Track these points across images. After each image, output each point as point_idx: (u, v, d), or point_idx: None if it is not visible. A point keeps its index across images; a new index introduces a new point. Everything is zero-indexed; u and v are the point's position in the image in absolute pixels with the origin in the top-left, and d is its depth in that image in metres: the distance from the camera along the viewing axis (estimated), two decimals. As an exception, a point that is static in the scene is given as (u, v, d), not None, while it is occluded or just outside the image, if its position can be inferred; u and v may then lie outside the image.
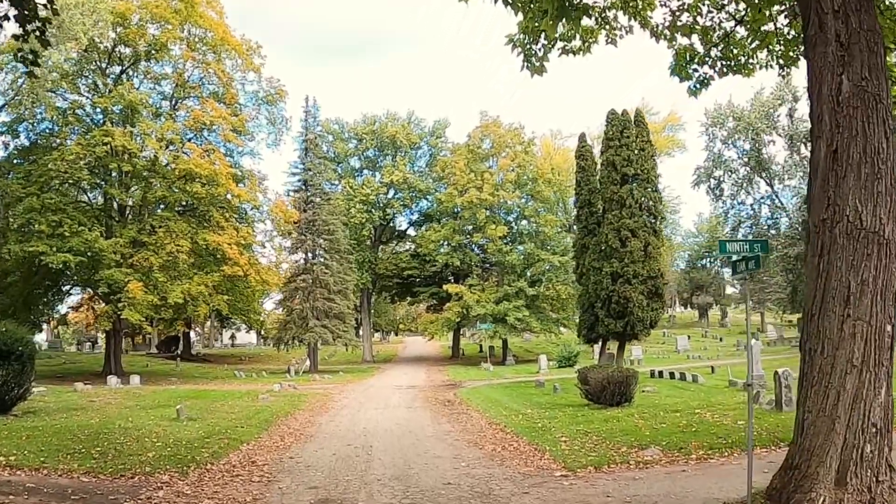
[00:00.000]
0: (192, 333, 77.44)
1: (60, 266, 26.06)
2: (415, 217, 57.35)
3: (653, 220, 22.19)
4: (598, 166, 24.34)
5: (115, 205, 30.41)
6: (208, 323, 73.31)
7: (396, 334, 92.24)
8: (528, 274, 44.67)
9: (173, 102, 32.89)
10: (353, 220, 48.13)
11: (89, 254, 27.18)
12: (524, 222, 47.25)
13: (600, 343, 23.55)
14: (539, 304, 44.88)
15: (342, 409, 17.51)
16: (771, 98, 50.88)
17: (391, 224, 57.14)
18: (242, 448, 11.05)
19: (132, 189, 29.23)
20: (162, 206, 29.76)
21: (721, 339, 55.29)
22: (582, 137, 24.91)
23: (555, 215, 47.35)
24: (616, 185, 22.04)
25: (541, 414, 14.80)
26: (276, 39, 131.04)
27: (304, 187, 42.51)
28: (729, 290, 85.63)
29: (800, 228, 48.28)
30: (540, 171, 46.44)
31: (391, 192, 52.94)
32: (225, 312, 32.56)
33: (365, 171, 54.32)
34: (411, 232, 58.79)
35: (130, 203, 29.80)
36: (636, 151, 22.58)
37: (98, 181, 28.33)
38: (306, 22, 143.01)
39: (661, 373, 23.12)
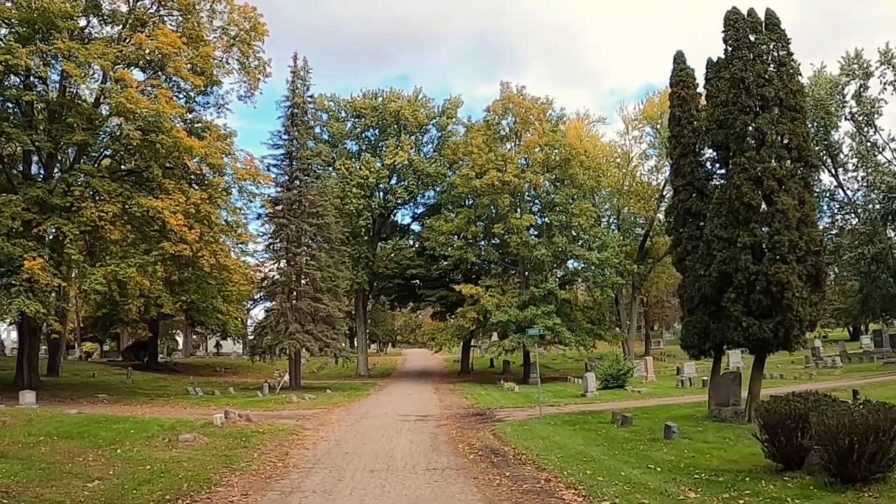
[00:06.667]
0: (179, 339, 69.53)
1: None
2: (420, 210, 49.40)
3: (804, 168, 14.42)
4: (702, 101, 16.78)
5: (21, 153, 22.55)
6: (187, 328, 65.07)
7: (394, 346, 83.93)
8: (559, 274, 36.80)
9: (119, 35, 25.14)
10: (347, 208, 40.23)
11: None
12: (552, 213, 39.32)
13: (713, 356, 15.60)
14: (569, 311, 36.96)
15: (309, 475, 9.51)
16: (838, 74, 43.38)
17: (392, 218, 49.18)
18: None
19: (42, 132, 21.33)
20: (84, 158, 21.92)
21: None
22: (679, 58, 17.18)
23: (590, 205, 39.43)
24: (748, 113, 14.33)
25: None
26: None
27: (287, 161, 34.70)
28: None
29: (877, 226, 40.89)
30: (573, 151, 38.69)
31: (394, 179, 45.08)
32: (167, 310, 24.49)
33: (364, 155, 46.37)
34: (416, 227, 50.78)
35: (38, 152, 21.93)
36: (772, 67, 15.00)
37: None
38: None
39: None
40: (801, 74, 15.24)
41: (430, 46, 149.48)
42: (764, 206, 13.47)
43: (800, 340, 13.52)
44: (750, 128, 14.20)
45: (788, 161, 14.25)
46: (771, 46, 15.25)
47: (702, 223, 15.32)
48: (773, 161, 13.87)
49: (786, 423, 8.38)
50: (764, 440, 8.82)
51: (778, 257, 12.89)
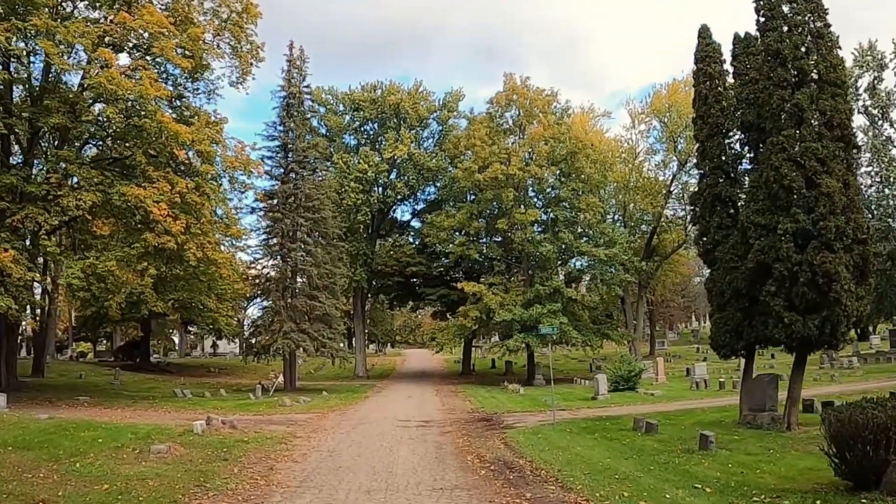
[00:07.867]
0: (175, 339, 68.00)
1: None
2: (420, 206, 47.93)
3: (846, 149, 13.06)
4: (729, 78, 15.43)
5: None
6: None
7: (393, 346, 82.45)
8: (563, 272, 35.38)
9: (105, 18, 23.70)
10: (345, 203, 38.81)
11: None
12: (557, 208, 37.93)
13: (743, 356, 14.22)
14: (575, 310, 35.56)
15: (295, 496, 8.08)
16: (851, 66, 41.97)
17: (392, 214, 47.74)
18: None
19: (21, 117, 19.91)
20: (66, 144, 20.51)
21: (773, 356, 46.11)
22: (704, 32, 15.84)
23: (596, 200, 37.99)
24: (785, 88, 12.98)
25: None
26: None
27: (282, 153, 33.26)
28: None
29: (892, 222, 39.54)
30: (579, 144, 37.31)
31: (393, 173, 43.65)
32: (153, 306, 23.04)
33: (363, 149, 44.86)
34: (416, 224, 49.32)
35: (16, 137, 20.52)
36: (809, 39, 13.67)
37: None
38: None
39: (818, 406, 13.63)
40: (839, 48, 13.88)
41: (430, 48, 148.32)
42: (804, 189, 12.09)
43: (846, 338, 12.15)
44: (787, 104, 12.84)
45: (829, 140, 12.90)
46: (807, 17, 13.91)
47: (732, 210, 13.98)
48: (815, 141, 12.50)
49: (863, 435, 7.03)
50: (832, 454, 7.46)
51: (824, 245, 11.53)
